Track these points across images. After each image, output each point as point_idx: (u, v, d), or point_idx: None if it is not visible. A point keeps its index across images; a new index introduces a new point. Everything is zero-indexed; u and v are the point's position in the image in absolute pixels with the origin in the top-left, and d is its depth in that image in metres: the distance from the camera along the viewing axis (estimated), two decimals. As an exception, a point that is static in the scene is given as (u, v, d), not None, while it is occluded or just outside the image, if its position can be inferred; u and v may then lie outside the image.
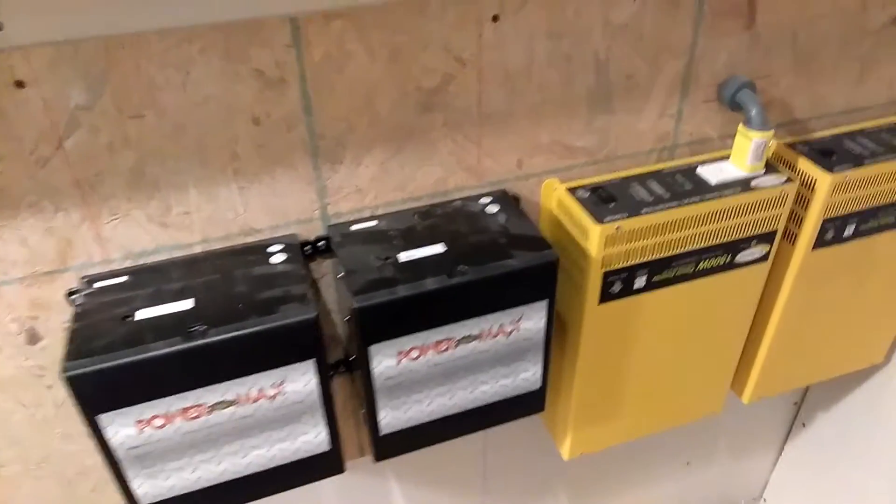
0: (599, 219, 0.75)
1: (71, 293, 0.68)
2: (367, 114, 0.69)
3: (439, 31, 0.66)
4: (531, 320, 0.74)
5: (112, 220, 0.66)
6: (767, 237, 0.84)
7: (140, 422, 0.64)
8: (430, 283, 0.67)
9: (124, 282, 0.68)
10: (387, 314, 0.66)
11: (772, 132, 0.79)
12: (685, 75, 0.80)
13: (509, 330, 0.74)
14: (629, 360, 0.89)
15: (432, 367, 0.73)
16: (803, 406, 1.44)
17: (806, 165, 0.85)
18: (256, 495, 0.76)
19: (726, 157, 0.84)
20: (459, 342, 0.72)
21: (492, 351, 0.74)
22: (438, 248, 0.71)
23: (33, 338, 0.70)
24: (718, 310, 0.90)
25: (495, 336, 0.73)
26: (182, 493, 0.71)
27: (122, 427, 0.63)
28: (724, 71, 0.81)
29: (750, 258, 0.85)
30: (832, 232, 0.88)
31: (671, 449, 1.39)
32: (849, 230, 0.89)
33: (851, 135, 0.90)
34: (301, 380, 0.68)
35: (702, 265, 0.83)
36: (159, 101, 0.61)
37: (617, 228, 0.75)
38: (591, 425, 0.96)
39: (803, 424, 1.45)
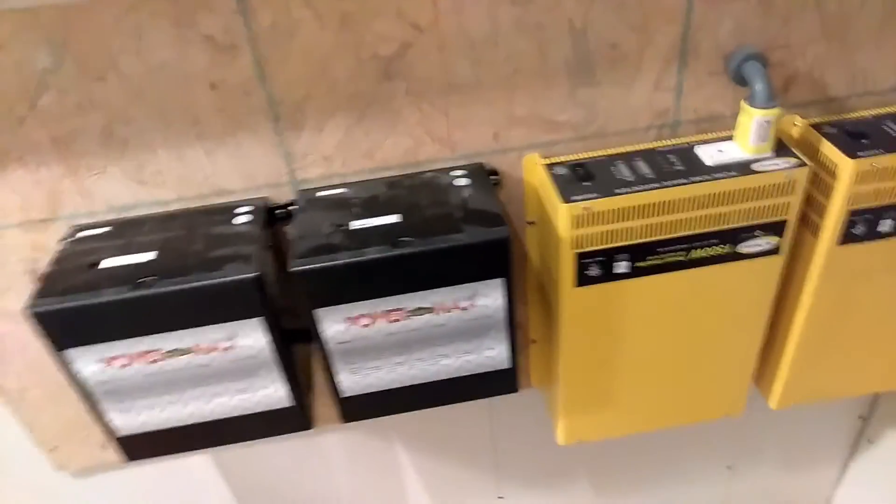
0: (567, 198, 0.71)
1: (62, 240, 0.75)
2: (323, 81, 0.69)
3: (391, -3, 0.65)
4: (488, 298, 0.72)
5: (92, 175, 0.72)
6: (775, 227, 0.76)
7: (104, 360, 0.70)
8: (371, 252, 0.67)
9: (104, 232, 0.74)
10: (326, 279, 0.67)
11: (778, 110, 0.70)
12: (682, 45, 0.73)
13: (464, 306, 0.72)
14: (620, 348, 0.85)
15: (386, 336, 0.73)
16: (870, 421, 1.29)
17: (827, 149, 0.75)
18: (224, 440, 0.80)
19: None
20: (412, 314, 0.72)
21: (448, 325, 0.73)
22: (393, 219, 0.71)
23: (35, 276, 0.78)
24: (724, 303, 0.83)
25: (449, 311, 0.72)
26: (155, 429, 0.77)
27: (88, 363, 0.69)
28: (732, 40, 0.73)
29: (756, 249, 0.78)
30: (863, 226, 0.78)
31: (707, 450, 1.31)
32: (885, 225, 0.78)
33: (899, 116, 0.79)
34: (251, 336, 0.70)
35: (696, 254, 0.77)
36: (119, 65, 0.65)
37: (585, 209, 0.71)
38: (583, 413, 0.92)
39: (869, 441, 1.31)
